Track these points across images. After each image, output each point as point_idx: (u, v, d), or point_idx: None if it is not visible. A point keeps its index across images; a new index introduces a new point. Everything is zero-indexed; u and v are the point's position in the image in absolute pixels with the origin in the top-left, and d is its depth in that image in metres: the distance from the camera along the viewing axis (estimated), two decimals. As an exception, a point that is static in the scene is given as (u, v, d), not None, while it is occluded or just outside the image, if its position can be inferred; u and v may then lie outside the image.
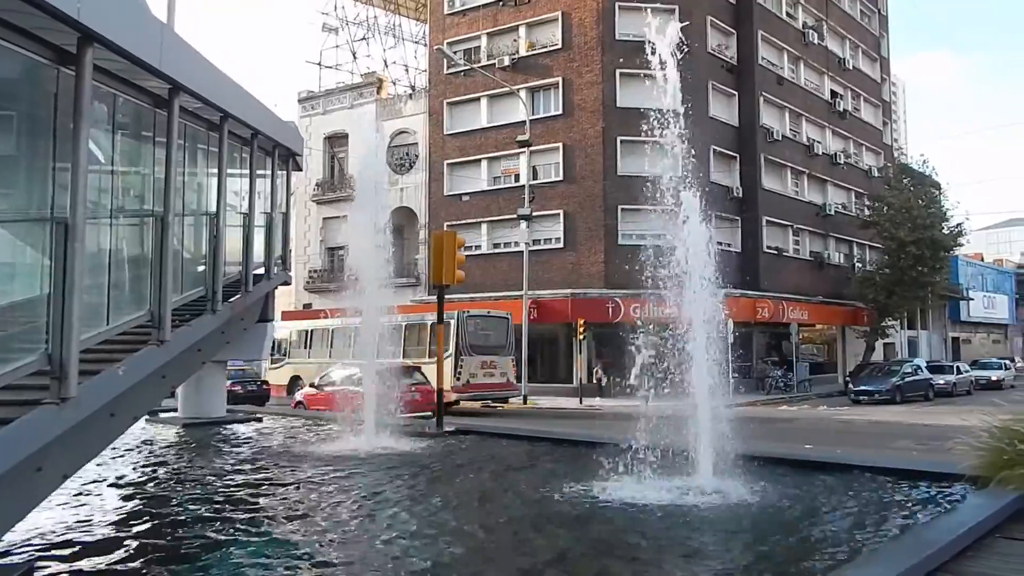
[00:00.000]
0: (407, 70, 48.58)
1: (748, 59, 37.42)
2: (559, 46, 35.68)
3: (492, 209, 36.43)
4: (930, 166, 42.83)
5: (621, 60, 32.97)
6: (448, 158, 38.52)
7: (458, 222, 37.63)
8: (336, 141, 44.34)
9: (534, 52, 36.52)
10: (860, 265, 42.18)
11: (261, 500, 7.93)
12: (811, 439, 18.34)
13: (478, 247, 37.09)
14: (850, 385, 32.54)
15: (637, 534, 6.25)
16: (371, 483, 8.66)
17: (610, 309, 31.65)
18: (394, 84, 46.85)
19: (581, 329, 30.45)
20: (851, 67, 45.37)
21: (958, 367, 38.32)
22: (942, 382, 34.42)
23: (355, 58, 48.50)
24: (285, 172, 16.39)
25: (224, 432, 13.97)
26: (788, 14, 40.81)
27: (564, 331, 33.22)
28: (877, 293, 38.56)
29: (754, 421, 23.93)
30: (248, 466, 9.95)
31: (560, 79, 35.22)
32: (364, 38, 49.12)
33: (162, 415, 15.62)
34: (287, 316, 44.27)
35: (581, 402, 28.96)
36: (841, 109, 43.60)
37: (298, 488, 8.43)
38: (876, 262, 41.13)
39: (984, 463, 6.70)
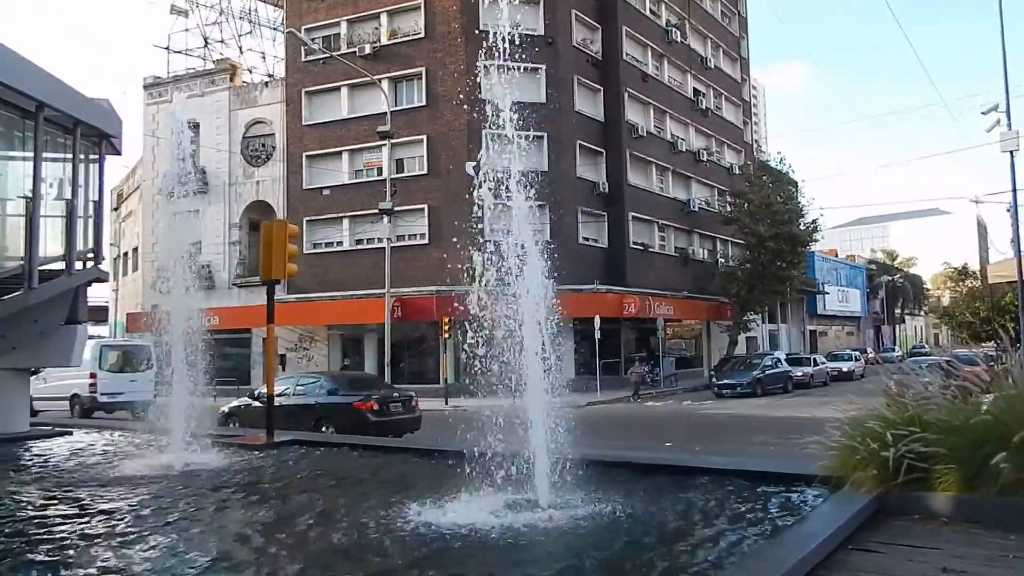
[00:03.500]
0: (264, 57, 46.05)
1: (613, 55, 37.38)
2: (422, 35, 34.49)
3: (354, 203, 34.79)
4: (787, 164, 44.27)
5: (485, 51, 32.23)
6: (307, 150, 36.60)
7: (318, 217, 35.88)
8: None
9: (396, 41, 35.18)
10: (723, 261, 43.10)
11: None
12: (673, 435, 17.95)
13: (340, 243, 35.55)
14: (714, 379, 32.87)
15: None
16: (157, 507, 7.18)
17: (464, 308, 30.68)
18: (250, 72, 44.25)
19: (446, 327, 29.32)
20: (713, 66, 46.36)
21: (815, 359, 39.69)
22: (800, 374, 35.39)
23: (207, 43, 45.41)
24: (98, 156, 14.44)
25: (18, 450, 11.91)
26: (652, 11, 41.12)
27: (432, 330, 32.03)
28: (739, 287, 39.43)
29: (617, 418, 23.72)
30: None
31: (423, 69, 34.03)
32: (216, 22, 46.16)
33: None
34: (132, 318, 41.05)
35: (447, 403, 27.81)
36: (704, 107, 44.39)
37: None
38: (738, 258, 42.11)
39: (837, 463, 5.99)
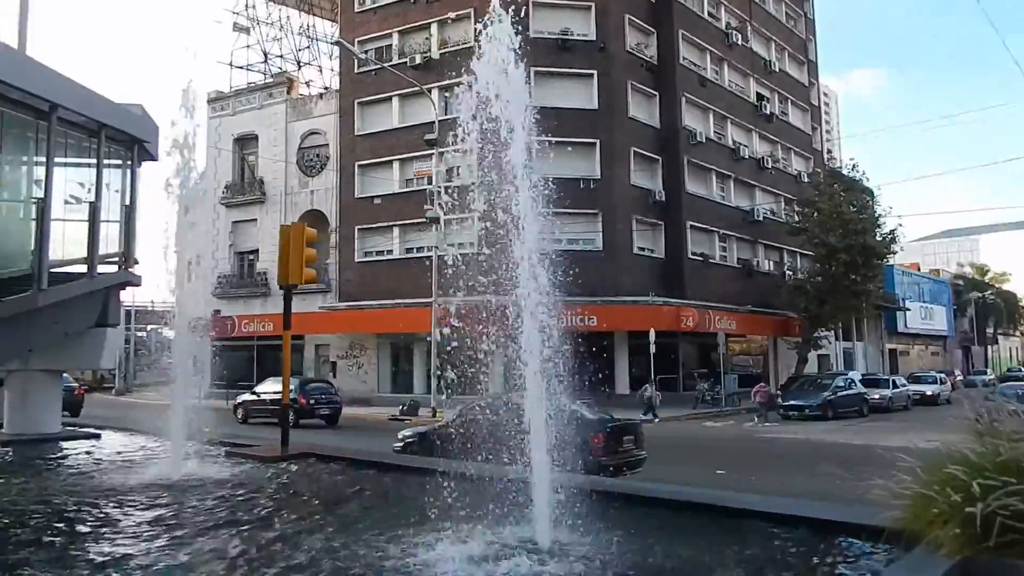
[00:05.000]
0: (320, 71, 46.37)
1: (669, 59, 35.96)
2: (471, 44, 33.73)
3: (404, 212, 34.18)
4: (860, 171, 41.58)
5: (536, 59, 31.62)
6: (359, 159, 36.40)
7: (369, 225, 35.61)
8: (245, 143, 41.91)
9: (446, 50, 34.57)
10: (791, 273, 40.91)
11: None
12: (728, 461, 16.49)
13: (390, 252, 35.09)
14: (779, 399, 30.83)
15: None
16: (111, 526, 6.34)
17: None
18: (307, 85, 44.59)
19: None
20: (777, 69, 44.28)
21: (894, 381, 36.98)
22: (877, 397, 32.87)
23: (267, 59, 45.98)
24: (130, 162, 14.13)
25: (34, 453, 11.48)
26: (710, 14, 39.52)
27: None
28: (808, 302, 37.20)
29: (669, 438, 22.18)
30: None
31: (473, 78, 33.20)
32: (276, 38, 46.75)
33: None
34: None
35: (493, 417, 26.80)
36: (768, 112, 42.37)
37: None
38: (807, 270, 39.93)
39: (909, 515, 4.61)
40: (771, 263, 41.54)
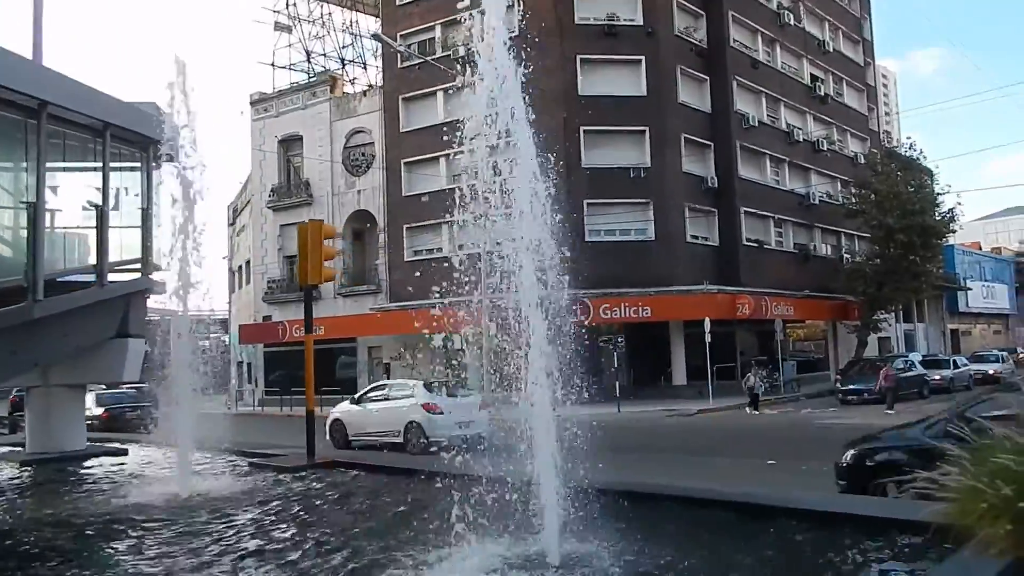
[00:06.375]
0: (365, 68, 46.35)
1: (719, 42, 35.23)
2: (515, 32, 33.45)
3: (452, 209, 34.04)
4: (918, 149, 40.19)
5: (581, 46, 31.39)
6: (405, 157, 36.32)
7: (418, 224, 35.54)
8: (290, 144, 41.97)
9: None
10: (848, 256, 39.85)
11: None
12: (782, 450, 16.05)
13: (439, 250, 34.87)
14: (839, 384, 30.11)
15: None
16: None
17: (577, 310, 29.42)
18: (352, 83, 44.62)
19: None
20: (831, 50, 43.08)
21: (955, 361, 35.96)
22: (938, 378, 31.97)
23: (309, 57, 46.12)
24: (144, 163, 13.31)
25: (51, 472, 11.18)
26: (761, -6, 38.66)
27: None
28: (867, 285, 36.24)
29: (723, 429, 21.79)
30: None
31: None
32: (319, 36, 46.79)
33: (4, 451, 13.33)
34: (246, 329, 41.93)
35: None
36: (822, 93, 41.27)
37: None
38: (865, 252, 38.86)
39: (956, 509, 4.33)
40: (828, 247, 40.55)
